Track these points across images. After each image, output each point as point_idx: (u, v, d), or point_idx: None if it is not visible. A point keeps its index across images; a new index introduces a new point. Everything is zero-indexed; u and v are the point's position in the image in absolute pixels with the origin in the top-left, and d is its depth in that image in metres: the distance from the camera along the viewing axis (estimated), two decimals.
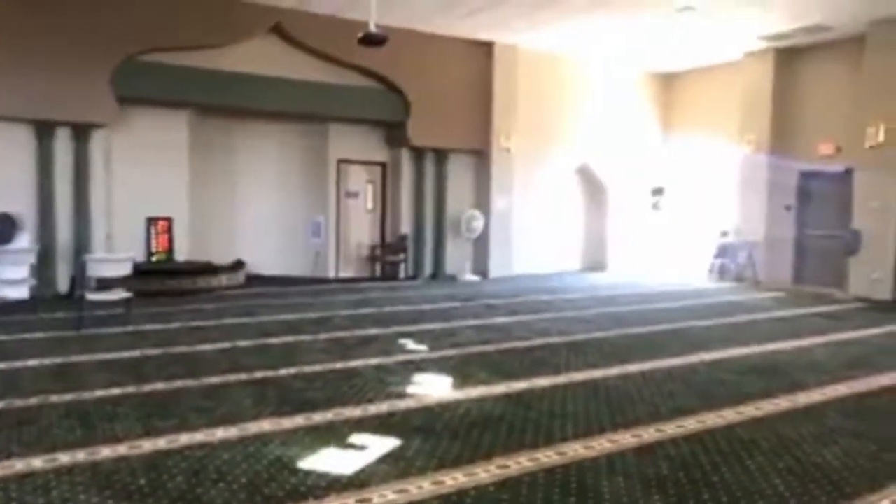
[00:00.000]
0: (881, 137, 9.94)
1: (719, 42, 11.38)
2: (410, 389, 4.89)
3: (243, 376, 5.13)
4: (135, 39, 8.96)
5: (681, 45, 11.61)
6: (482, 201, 12.01)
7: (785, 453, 3.75)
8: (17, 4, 8.29)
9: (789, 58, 11.55)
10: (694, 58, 12.63)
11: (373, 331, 7.05)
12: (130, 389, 4.71)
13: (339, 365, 5.56)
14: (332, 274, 11.53)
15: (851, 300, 10.03)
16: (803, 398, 4.87)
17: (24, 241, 8.48)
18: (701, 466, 3.54)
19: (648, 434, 4.02)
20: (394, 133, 11.52)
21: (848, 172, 10.64)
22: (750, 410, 4.54)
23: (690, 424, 4.22)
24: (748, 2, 9.09)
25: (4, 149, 8.54)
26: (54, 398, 4.47)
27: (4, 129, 8.52)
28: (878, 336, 7.42)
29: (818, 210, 11.41)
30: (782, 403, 4.72)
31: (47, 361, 5.47)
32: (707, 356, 6.17)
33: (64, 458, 3.47)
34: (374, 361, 5.70)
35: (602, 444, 3.84)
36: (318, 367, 5.45)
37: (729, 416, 4.42)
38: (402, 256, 11.71)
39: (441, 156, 11.74)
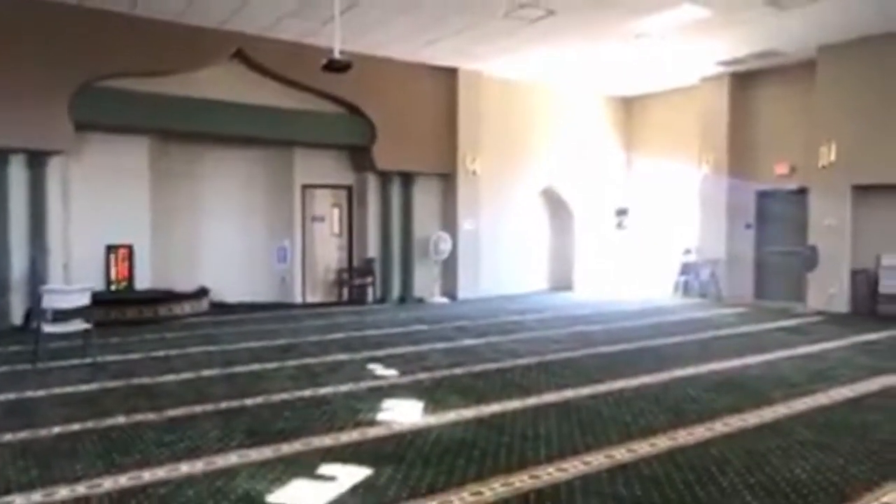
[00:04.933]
0: (833, 157, 10.28)
1: (677, 67, 11.69)
2: (381, 416, 4.82)
3: (209, 407, 4.98)
4: (93, 65, 8.80)
5: (639, 70, 11.89)
6: (449, 223, 12.04)
7: (756, 469, 3.78)
8: None
9: (744, 82, 11.92)
10: (653, 82, 12.95)
11: (341, 356, 6.95)
12: (90, 425, 4.53)
13: (307, 393, 5.45)
14: (298, 299, 11.38)
15: (811, 314, 10.27)
16: (771, 413, 4.93)
17: None
18: (674, 485, 3.54)
19: (621, 454, 4.02)
20: (359, 157, 11.50)
21: (802, 191, 10.97)
22: (720, 427, 4.58)
23: (662, 443, 4.23)
24: (703, 29, 9.38)
25: None
26: (8, 437, 4.27)
27: None
28: (838, 349, 7.59)
29: (776, 228, 11.72)
30: (751, 419, 4.78)
31: (1, 398, 5.24)
32: (676, 373, 6.22)
33: (19, 500, 3.31)
34: (343, 388, 5.61)
35: (575, 466, 3.81)
36: (285, 396, 5.34)
37: (700, 433, 4.45)
38: (369, 280, 11.63)
39: (407, 179, 11.75)
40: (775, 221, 11.75)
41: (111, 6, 8.67)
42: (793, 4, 8.32)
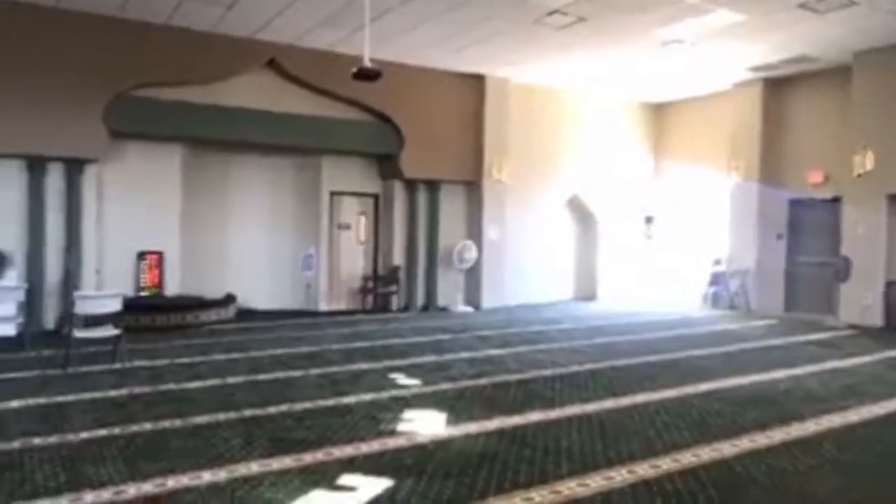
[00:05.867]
0: (868, 166, 10.05)
1: (708, 73, 11.55)
2: (402, 427, 4.82)
3: (232, 415, 5.04)
4: (128, 75, 9.00)
5: (669, 76, 11.78)
6: (474, 232, 12.03)
7: (782, 488, 3.71)
8: (8, 40, 8.32)
9: (777, 87, 11.73)
10: (683, 88, 12.81)
11: (364, 365, 6.98)
12: (117, 430, 4.62)
13: (330, 401, 5.48)
14: (323, 306, 11.46)
15: (843, 327, 10.03)
16: (799, 430, 4.83)
17: (13, 277, 8.41)
18: (698, 503, 3.49)
19: (643, 469, 3.97)
20: (386, 165, 11.57)
21: (836, 200, 10.74)
22: (746, 443, 4.49)
23: (686, 458, 4.17)
24: (734, 34, 9.25)
25: None
26: (38, 441, 4.37)
27: None
28: (870, 364, 7.40)
29: (808, 238, 11.48)
30: (778, 435, 4.68)
31: (31, 402, 5.37)
32: (701, 387, 6.13)
33: None
34: (365, 397, 5.63)
35: (597, 482, 3.78)
36: (308, 404, 5.38)
37: (725, 449, 4.37)
38: (393, 288, 11.67)
39: (433, 187, 11.78)
40: (807, 231, 11.51)
41: (149, 17, 8.88)
42: (828, 8, 8.18)
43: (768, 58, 10.50)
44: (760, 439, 4.59)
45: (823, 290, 10.96)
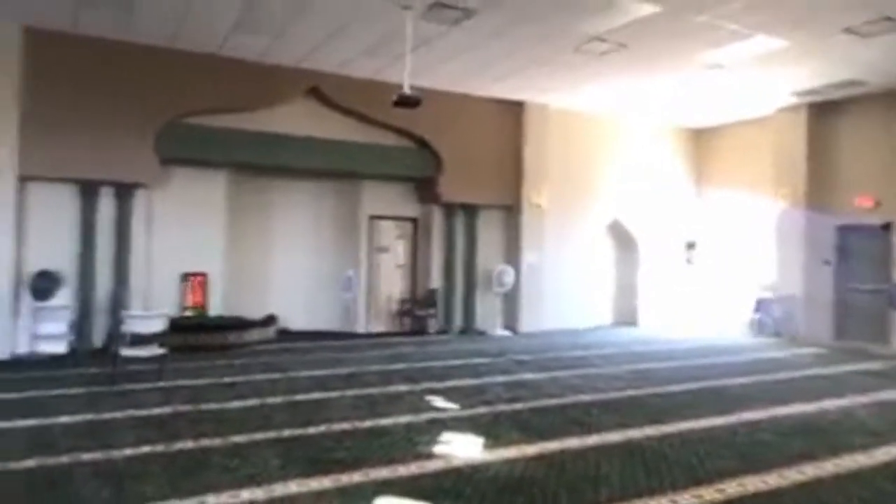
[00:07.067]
0: None
1: (750, 98, 11.38)
2: (440, 449, 4.81)
3: (272, 434, 5.10)
4: (178, 103, 9.33)
5: (711, 101, 11.65)
6: (512, 256, 12.01)
7: None
8: (66, 72, 8.73)
9: (823, 112, 11.47)
10: (725, 113, 12.64)
11: (402, 387, 6.99)
12: (160, 448, 4.71)
13: (367, 423, 5.50)
14: (362, 328, 11.54)
15: (895, 356, 9.67)
16: (850, 461, 4.65)
17: (64, 297, 8.71)
18: None
19: (686, 500, 3.87)
20: (425, 189, 11.68)
21: (887, 227, 10.41)
22: (793, 474, 4.35)
23: (731, 489, 4.05)
24: (777, 60, 9.12)
25: (49, 207, 8.86)
26: (85, 456, 4.49)
27: (51, 190, 8.85)
28: None
29: (858, 264, 11.11)
30: (827, 467, 4.52)
31: (79, 418, 5.52)
32: (746, 416, 5.96)
33: None
34: (403, 419, 5.63)
35: None
36: (346, 425, 5.40)
37: (771, 480, 4.23)
38: (432, 311, 11.69)
39: (471, 211, 11.83)
40: (857, 257, 11.14)
41: (199, 48, 9.22)
42: (873, 32, 8.01)
43: (813, 82, 10.31)
44: (809, 470, 4.43)
45: (876, 318, 10.58)
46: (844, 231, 11.25)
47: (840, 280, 11.30)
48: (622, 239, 13.56)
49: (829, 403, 6.54)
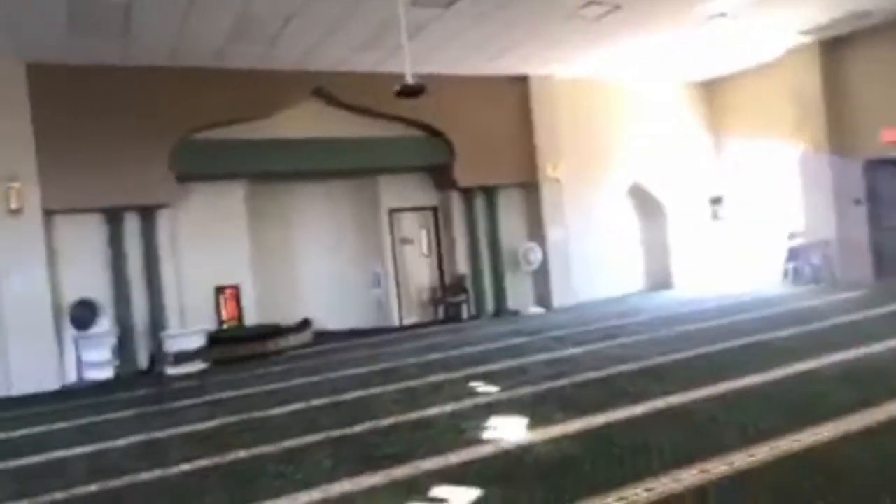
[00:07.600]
0: None
1: (758, 43, 11.12)
2: (486, 434, 4.82)
3: (319, 436, 5.16)
4: (186, 120, 9.39)
5: (718, 51, 11.41)
6: (536, 232, 11.94)
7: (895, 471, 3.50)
8: (74, 104, 8.80)
9: (835, 48, 11.17)
10: (733, 62, 12.38)
11: (442, 376, 7.02)
12: (214, 460, 4.80)
13: (412, 415, 5.54)
14: (396, 322, 11.60)
15: None
16: None
17: (105, 324, 8.89)
18: (803, 493, 3.32)
19: (740, 460, 3.82)
20: (441, 176, 11.65)
21: None
22: (848, 425, 4.26)
23: (785, 445, 3.99)
24: (779, 1, 8.88)
25: (77, 238, 9.03)
26: (144, 476, 4.59)
27: (76, 220, 9.02)
28: None
29: (891, 200, 10.83)
30: (885, 412, 4.42)
31: (133, 439, 5.65)
32: (792, 368, 5.86)
33: None
34: (446, 408, 5.65)
35: (692, 476, 3.66)
36: (391, 420, 5.44)
37: (825, 432, 4.16)
38: (463, 297, 11.70)
39: (490, 192, 11.78)
40: (889, 193, 10.87)
41: (197, 62, 9.25)
42: None
43: (819, 19, 10.03)
44: (866, 419, 4.34)
45: None
46: (872, 168, 10.96)
47: (875, 219, 11.04)
48: (645, 202, 13.39)
49: (880, 346, 6.40)
